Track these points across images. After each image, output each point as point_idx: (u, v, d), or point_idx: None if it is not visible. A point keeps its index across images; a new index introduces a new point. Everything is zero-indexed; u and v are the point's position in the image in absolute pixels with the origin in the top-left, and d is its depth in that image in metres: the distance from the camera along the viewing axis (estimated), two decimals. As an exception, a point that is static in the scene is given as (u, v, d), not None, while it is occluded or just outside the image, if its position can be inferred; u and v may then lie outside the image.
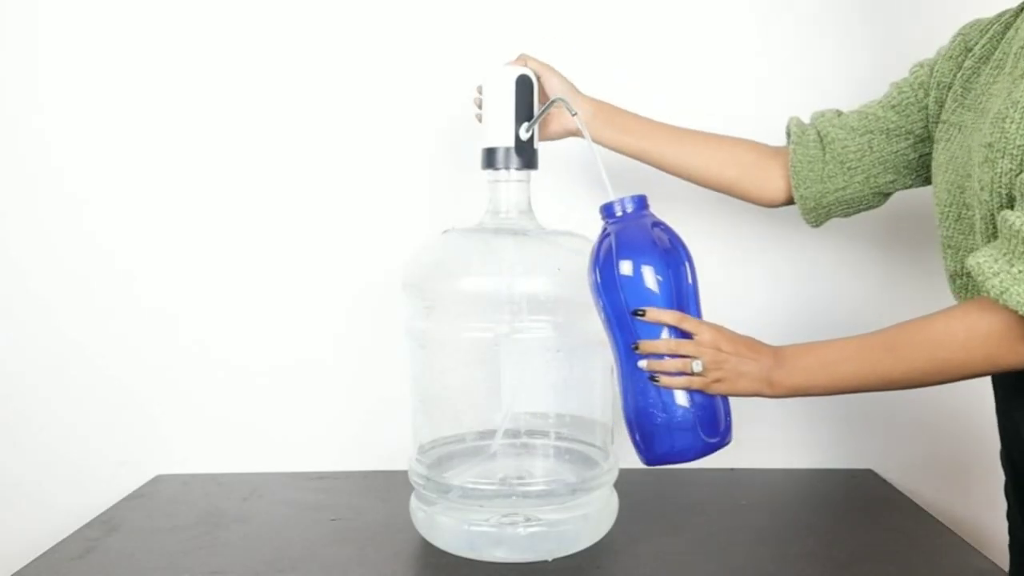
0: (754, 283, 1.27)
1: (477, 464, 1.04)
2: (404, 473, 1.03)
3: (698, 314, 0.85)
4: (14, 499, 1.27)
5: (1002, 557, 1.01)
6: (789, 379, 0.81)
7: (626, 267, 0.82)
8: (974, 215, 0.82)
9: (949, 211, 0.86)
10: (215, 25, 1.22)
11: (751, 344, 0.83)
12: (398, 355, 1.07)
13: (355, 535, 1.03)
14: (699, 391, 0.81)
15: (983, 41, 0.87)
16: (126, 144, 1.24)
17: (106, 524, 1.07)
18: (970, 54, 0.88)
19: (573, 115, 0.91)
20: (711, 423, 0.83)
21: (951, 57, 0.91)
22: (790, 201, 1.04)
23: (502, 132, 0.96)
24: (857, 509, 1.14)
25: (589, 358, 1.03)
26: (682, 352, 0.81)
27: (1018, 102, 0.75)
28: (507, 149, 0.96)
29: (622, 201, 0.84)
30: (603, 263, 0.83)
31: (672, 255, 0.84)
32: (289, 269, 1.26)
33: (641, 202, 0.85)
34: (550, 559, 0.94)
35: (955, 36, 0.92)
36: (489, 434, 1.05)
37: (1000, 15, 0.88)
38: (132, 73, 1.23)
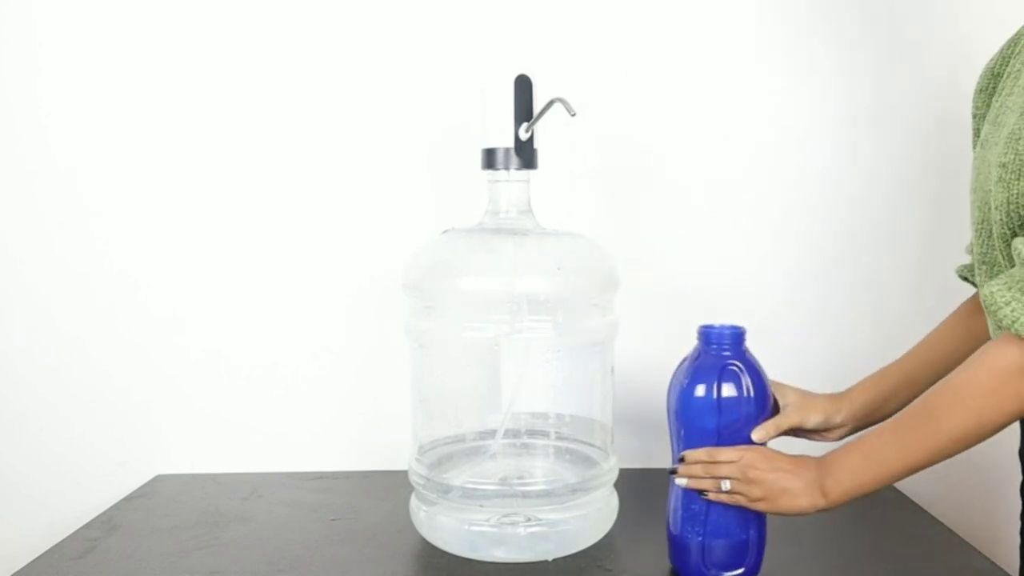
0: (771, 282, 1.27)
1: (477, 464, 1.04)
2: (404, 473, 1.03)
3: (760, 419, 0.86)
4: (14, 499, 1.27)
5: (1002, 557, 1.01)
6: (839, 485, 0.79)
7: (689, 392, 0.87)
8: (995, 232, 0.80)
9: (981, 228, 0.83)
10: (218, 28, 1.22)
11: (793, 460, 0.82)
12: (398, 355, 1.07)
13: (355, 535, 1.03)
14: (751, 514, 0.83)
15: (1004, 61, 0.86)
16: (127, 145, 1.24)
17: (106, 524, 1.07)
18: (997, 78, 0.87)
19: (572, 115, 0.91)
20: (732, 551, 0.88)
21: (982, 90, 0.89)
22: None
23: (501, 132, 0.97)
24: (857, 509, 1.13)
25: (589, 358, 1.03)
26: (715, 473, 0.83)
27: None
28: (507, 150, 0.97)
29: (720, 333, 0.88)
30: (675, 378, 0.90)
31: (737, 401, 0.86)
32: (289, 269, 1.26)
33: (736, 338, 0.88)
34: (550, 559, 0.94)
35: (983, 71, 0.90)
36: (489, 434, 1.06)
37: (1017, 34, 0.87)
38: (135, 76, 1.23)
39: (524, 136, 0.97)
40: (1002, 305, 0.70)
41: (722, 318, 1.29)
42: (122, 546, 1.01)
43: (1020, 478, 0.91)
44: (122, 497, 1.17)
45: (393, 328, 1.09)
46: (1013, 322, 0.69)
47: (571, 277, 0.99)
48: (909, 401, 0.92)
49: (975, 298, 0.94)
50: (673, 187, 1.25)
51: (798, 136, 1.25)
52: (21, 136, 1.23)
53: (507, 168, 0.97)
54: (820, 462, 0.81)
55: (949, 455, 0.75)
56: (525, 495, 0.96)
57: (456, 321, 0.99)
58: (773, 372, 1.29)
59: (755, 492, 0.81)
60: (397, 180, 1.24)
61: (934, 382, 0.90)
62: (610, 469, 1.01)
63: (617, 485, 1.03)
